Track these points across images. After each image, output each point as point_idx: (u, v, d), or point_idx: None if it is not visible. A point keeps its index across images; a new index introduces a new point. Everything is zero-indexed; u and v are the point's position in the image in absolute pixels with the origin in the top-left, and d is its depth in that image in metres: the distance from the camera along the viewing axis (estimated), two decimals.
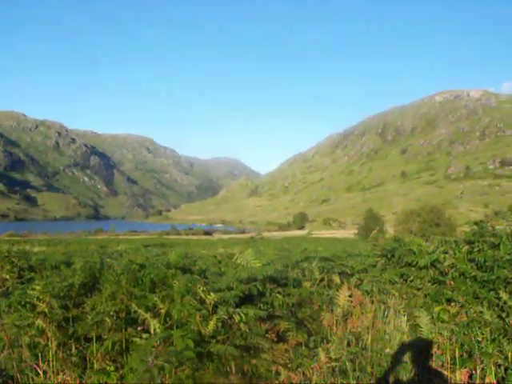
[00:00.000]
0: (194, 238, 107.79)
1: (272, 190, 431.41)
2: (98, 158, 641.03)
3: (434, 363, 5.24)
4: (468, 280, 5.82)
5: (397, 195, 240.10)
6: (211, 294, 4.65)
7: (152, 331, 4.79)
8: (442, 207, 74.65)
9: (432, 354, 5.31)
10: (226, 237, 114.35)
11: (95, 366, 4.98)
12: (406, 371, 5.10)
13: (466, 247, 6.44)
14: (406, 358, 5.33)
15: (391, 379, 5.03)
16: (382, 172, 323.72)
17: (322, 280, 6.79)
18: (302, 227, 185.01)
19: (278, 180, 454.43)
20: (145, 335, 4.80)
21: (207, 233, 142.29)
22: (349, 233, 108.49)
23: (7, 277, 12.22)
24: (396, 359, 5.27)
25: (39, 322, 5.18)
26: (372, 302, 6.55)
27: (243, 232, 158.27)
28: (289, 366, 4.76)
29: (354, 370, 4.97)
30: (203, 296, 4.70)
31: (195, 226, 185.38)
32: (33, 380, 4.91)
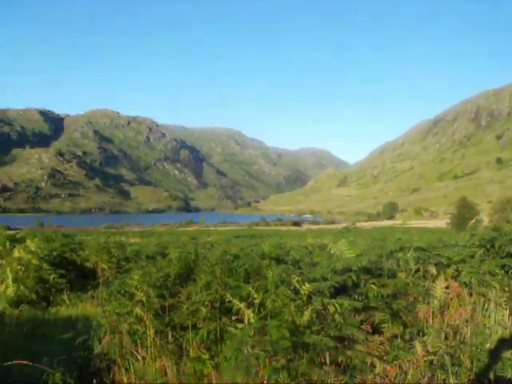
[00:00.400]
0: (283, 228, 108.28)
1: (361, 179, 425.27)
2: (188, 152, 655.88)
3: None
4: None
5: (492, 183, 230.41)
6: (306, 284, 4.63)
7: (246, 321, 4.85)
8: None
9: None
10: (314, 227, 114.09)
11: (191, 353, 5.11)
12: (509, 368, 4.88)
13: None
14: (509, 354, 5.09)
15: (491, 376, 4.83)
16: (476, 159, 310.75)
17: (417, 271, 6.60)
18: (391, 217, 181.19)
19: (367, 169, 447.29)
20: (239, 325, 4.85)
21: (296, 223, 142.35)
22: (441, 223, 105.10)
23: (105, 267, 12.83)
24: (497, 355, 5.05)
25: (137, 310, 5.37)
26: (470, 295, 6.31)
27: (332, 222, 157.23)
28: (384, 358, 4.67)
29: (453, 365, 4.80)
30: (298, 286, 4.69)
31: (284, 217, 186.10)
32: (133, 365, 5.09)
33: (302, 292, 4.65)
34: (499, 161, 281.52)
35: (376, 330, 5.11)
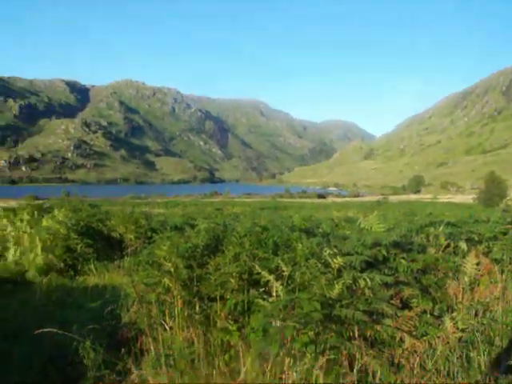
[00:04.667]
0: (308, 200, 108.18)
1: (387, 152, 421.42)
2: (213, 123, 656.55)
3: None
4: None
5: None
6: (338, 257, 4.58)
7: (274, 293, 4.83)
8: None
9: None
10: (339, 200, 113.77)
11: (218, 324, 5.13)
12: None
13: None
14: None
15: None
16: (506, 134, 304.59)
17: (447, 246, 6.49)
18: (417, 191, 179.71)
19: (394, 142, 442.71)
20: (268, 298, 4.83)
21: (321, 196, 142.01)
22: (467, 198, 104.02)
23: (132, 237, 12.95)
24: None
25: (165, 280, 5.40)
26: (502, 272, 6.20)
27: (357, 195, 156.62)
28: (413, 333, 4.60)
29: (483, 343, 4.73)
30: (329, 259, 4.64)
31: (309, 190, 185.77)
32: (161, 335, 5.13)
33: (333, 265, 4.60)
34: None
35: (405, 305, 5.04)
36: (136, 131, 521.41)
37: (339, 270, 4.63)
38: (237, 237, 5.65)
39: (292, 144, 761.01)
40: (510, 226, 7.23)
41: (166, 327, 5.31)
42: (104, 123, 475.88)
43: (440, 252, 6.32)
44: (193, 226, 8.52)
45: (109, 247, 13.01)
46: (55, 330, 4.29)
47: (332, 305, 4.19)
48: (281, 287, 4.70)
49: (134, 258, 6.20)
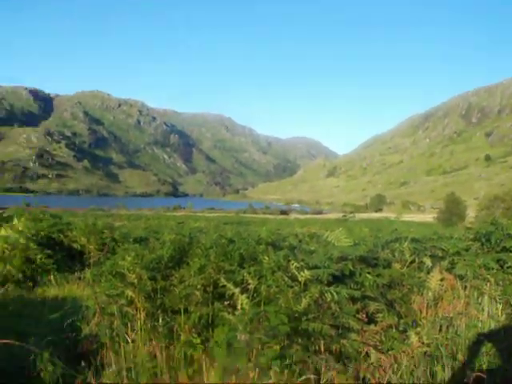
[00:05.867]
0: (271, 217, 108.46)
1: (350, 171, 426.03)
2: (178, 137, 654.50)
3: None
4: None
5: (480, 180, 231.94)
6: (305, 271, 4.56)
7: (239, 306, 4.77)
8: None
9: None
10: (302, 217, 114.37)
11: (182, 337, 5.04)
12: (500, 361, 4.87)
13: None
14: (501, 347, 5.07)
15: (484, 367, 4.81)
16: (465, 155, 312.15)
17: (412, 262, 6.55)
18: (379, 209, 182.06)
19: (357, 161, 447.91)
20: (236, 312, 4.77)
21: (284, 212, 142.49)
22: (428, 217, 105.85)
23: (93, 248, 12.73)
24: (489, 348, 5.03)
25: (129, 292, 5.28)
26: (465, 288, 6.28)
27: (320, 213, 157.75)
28: (379, 348, 4.62)
29: (447, 357, 4.77)
30: (296, 273, 4.62)
31: (272, 206, 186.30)
32: (123, 348, 5.01)
33: (300, 279, 4.58)
34: (488, 158, 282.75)
35: (371, 319, 5.05)
36: (100, 142, 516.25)
37: (306, 284, 4.61)
38: (202, 249, 5.59)
39: (256, 160, 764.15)
40: (472, 243, 7.35)
41: (129, 340, 5.18)
42: (68, 133, 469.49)
43: (405, 267, 6.37)
44: (158, 238, 8.42)
45: (69, 258, 12.74)
46: (12, 342, 4.14)
47: (299, 318, 4.16)
48: (246, 300, 4.65)
49: (96, 269, 6.06)
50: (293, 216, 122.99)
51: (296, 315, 4.20)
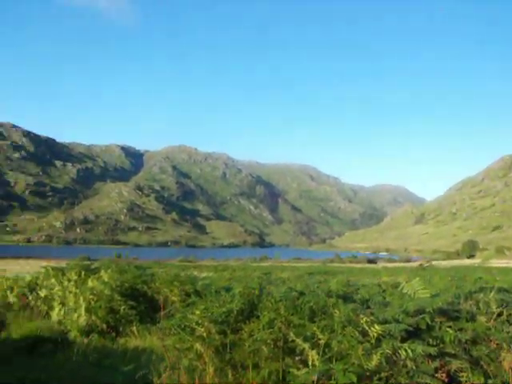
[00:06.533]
0: (358, 265, 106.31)
1: (439, 216, 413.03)
2: (263, 187, 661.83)
3: None
4: None
5: None
6: (375, 325, 4.30)
7: (310, 362, 4.56)
8: None
9: None
10: (390, 265, 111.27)
11: None
12: None
13: None
14: None
15: None
16: None
17: (500, 314, 6.07)
18: (471, 256, 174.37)
19: (445, 206, 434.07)
20: (304, 370, 4.56)
21: (371, 261, 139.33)
22: None
23: (175, 299, 12.82)
24: None
25: (198, 346, 5.21)
26: None
27: (408, 260, 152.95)
28: None
29: None
30: (366, 327, 4.37)
31: (359, 254, 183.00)
32: None
33: (371, 334, 4.32)
34: None
35: (453, 379, 4.67)
36: (188, 195, 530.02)
37: (378, 339, 4.34)
38: (272, 302, 5.45)
39: (342, 208, 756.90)
40: None
41: None
42: (157, 187, 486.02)
43: (492, 320, 5.90)
44: (228, 290, 8.34)
45: (152, 309, 12.88)
46: None
47: (370, 377, 3.90)
48: (316, 356, 4.45)
49: (166, 322, 6.03)
50: (380, 264, 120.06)
51: (367, 373, 3.94)
